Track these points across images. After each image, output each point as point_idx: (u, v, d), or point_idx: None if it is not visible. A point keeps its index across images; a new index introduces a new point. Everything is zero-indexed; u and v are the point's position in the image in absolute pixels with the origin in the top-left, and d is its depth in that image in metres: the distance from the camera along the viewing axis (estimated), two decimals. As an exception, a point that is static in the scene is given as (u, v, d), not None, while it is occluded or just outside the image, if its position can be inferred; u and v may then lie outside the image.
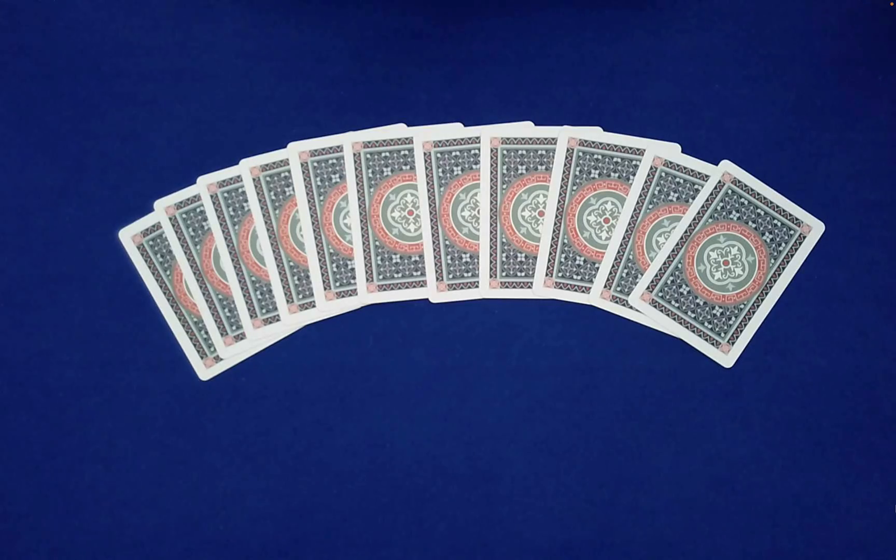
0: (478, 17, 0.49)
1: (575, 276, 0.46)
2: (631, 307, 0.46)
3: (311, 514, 0.43)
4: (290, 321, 0.46)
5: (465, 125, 0.48)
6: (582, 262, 0.46)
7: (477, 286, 0.46)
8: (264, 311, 0.46)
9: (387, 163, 0.47)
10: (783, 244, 0.46)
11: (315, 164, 0.47)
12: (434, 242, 0.46)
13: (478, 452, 0.45)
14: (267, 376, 0.45)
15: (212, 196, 0.47)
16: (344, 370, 0.45)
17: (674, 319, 0.45)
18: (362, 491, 0.43)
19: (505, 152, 0.47)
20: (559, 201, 0.47)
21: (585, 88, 0.48)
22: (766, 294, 0.46)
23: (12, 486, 0.44)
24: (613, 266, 0.46)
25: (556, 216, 0.47)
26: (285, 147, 0.47)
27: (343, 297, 0.46)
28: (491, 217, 0.47)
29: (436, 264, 0.46)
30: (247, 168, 0.47)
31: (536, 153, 0.47)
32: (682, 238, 0.46)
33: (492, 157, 0.47)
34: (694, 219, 0.46)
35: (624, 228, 0.46)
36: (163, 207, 0.47)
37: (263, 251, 0.46)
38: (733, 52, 0.49)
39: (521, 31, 0.49)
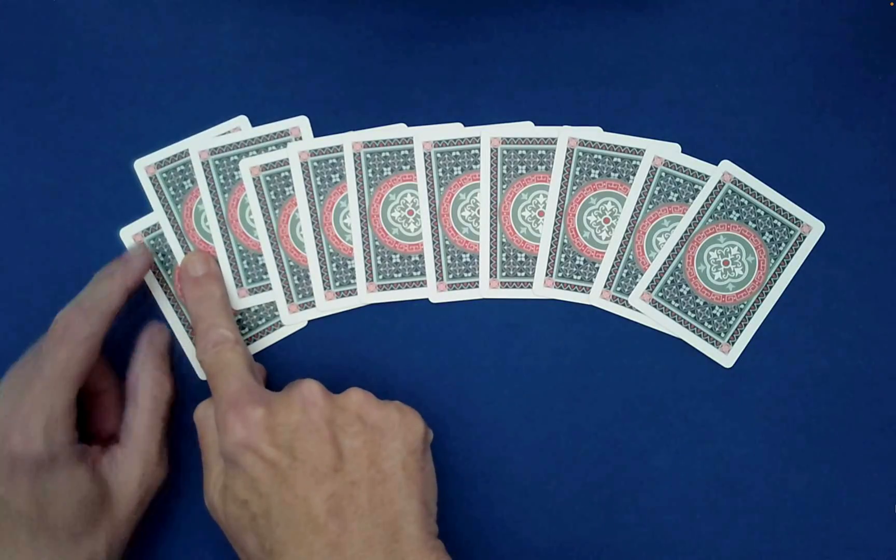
0: (478, 17, 0.49)
1: (575, 276, 0.46)
2: (631, 307, 0.46)
3: (311, 514, 0.43)
4: (290, 321, 0.46)
5: (465, 125, 0.48)
6: (582, 262, 0.46)
7: (477, 286, 0.46)
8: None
9: (387, 163, 0.47)
10: (783, 244, 0.46)
11: (315, 164, 0.47)
12: (434, 242, 0.46)
13: (477, 452, 0.45)
14: (267, 376, 0.45)
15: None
16: (344, 370, 0.45)
17: (674, 319, 0.45)
18: (362, 491, 0.43)
19: (505, 152, 0.47)
20: (559, 201, 0.47)
21: (585, 88, 0.48)
22: (766, 294, 0.46)
23: (12, 486, 0.44)
24: (613, 266, 0.46)
25: (556, 216, 0.47)
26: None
27: (343, 296, 0.46)
28: (491, 217, 0.47)
29: (436, 264, 0.46)
30: (247, 168, 0.47)
31: (536, 153, 0.47)
32: (682, 238, 0.46)
33: (492, 157, 0.47)
34: (694, 219, 0.46)
35: (624, 228, 0.46)
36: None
37: (263, 251, 0.46)
38: (733, 52, 0.49)
39: (521, 31, 0.49)
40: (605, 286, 0.46)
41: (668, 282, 0.46)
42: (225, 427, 0.37)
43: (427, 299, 0.46)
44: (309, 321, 0.46)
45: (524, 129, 0.47)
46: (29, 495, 0.37)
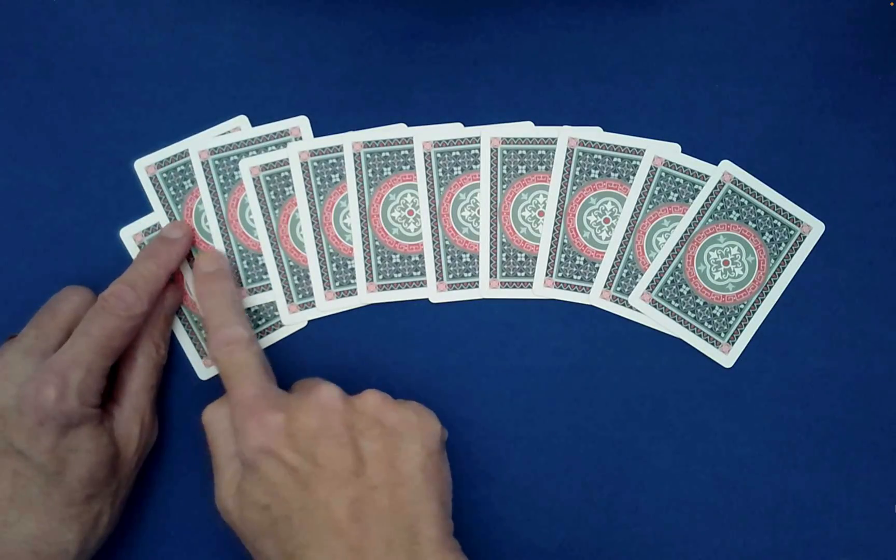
0: (478, 17, 0.49)
1: (575, 276, 0.46)
2: (631, 307, 0.46)
3: (311, 514, 0.43)
4: (290, 321, 0.46)
5: (465, 125, 0.48)
6: (582, 262, 0.46)
7: (477, 286, 0.46)
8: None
9: (387, 163, 0.47)
10: (783, 244, 0.46)
11: (315, 164, 0.47)
12: (434, 242, 0.46)
13: (477, 452, 0.45)
14: (267, 376, 0.45)
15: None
16: (344, 370, 0.45)
17: (674, 319, 0.45)
18: (362, 491, 0.43)
19: (505, 152, 0.47)
20: (559, 201, 0.47)
21: (585, 88, 0.48)
22: (766, 294, 0.46)
23: (12, 486, 0.43)
24: (613, 266, 0.46)
25: (556, 216, 0.47)
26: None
27: (343, 296, 0.46)
28: (491, 217, 0.47)
29: (436, 264, 0.46)
30: (247, 168, 0.47)
31: (536, 153, 0.47)
32: (682, 238, 0.46)
33: (492, 157, 0.47)
34: (694, 219, 0.46)
35: (624, 228, 0.46)
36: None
37: (263, 251, 0.46)
38: (733, 52, 0.49)
39: (521, 31, 0.49)
40: (605, 286, 0.46)
41: (668, 282, 0.46)
42: (245, 433, 0.37)
43: (427, 299, 0.46)
44: (309, 321, 0.46)
45: (524, 129, 0.47)
46: (51, 452, 0.37)
